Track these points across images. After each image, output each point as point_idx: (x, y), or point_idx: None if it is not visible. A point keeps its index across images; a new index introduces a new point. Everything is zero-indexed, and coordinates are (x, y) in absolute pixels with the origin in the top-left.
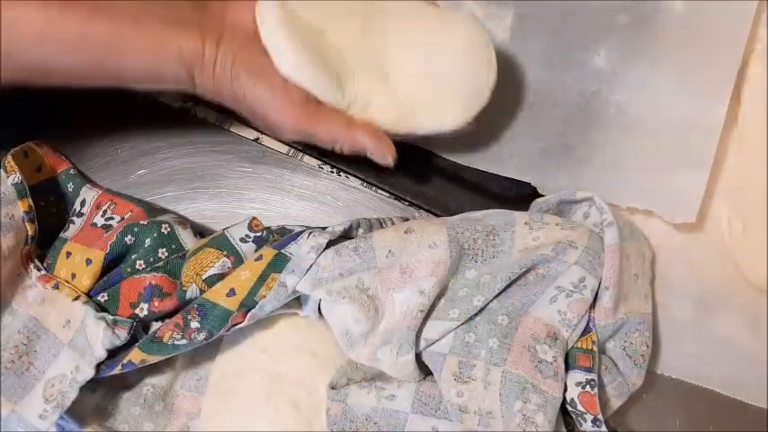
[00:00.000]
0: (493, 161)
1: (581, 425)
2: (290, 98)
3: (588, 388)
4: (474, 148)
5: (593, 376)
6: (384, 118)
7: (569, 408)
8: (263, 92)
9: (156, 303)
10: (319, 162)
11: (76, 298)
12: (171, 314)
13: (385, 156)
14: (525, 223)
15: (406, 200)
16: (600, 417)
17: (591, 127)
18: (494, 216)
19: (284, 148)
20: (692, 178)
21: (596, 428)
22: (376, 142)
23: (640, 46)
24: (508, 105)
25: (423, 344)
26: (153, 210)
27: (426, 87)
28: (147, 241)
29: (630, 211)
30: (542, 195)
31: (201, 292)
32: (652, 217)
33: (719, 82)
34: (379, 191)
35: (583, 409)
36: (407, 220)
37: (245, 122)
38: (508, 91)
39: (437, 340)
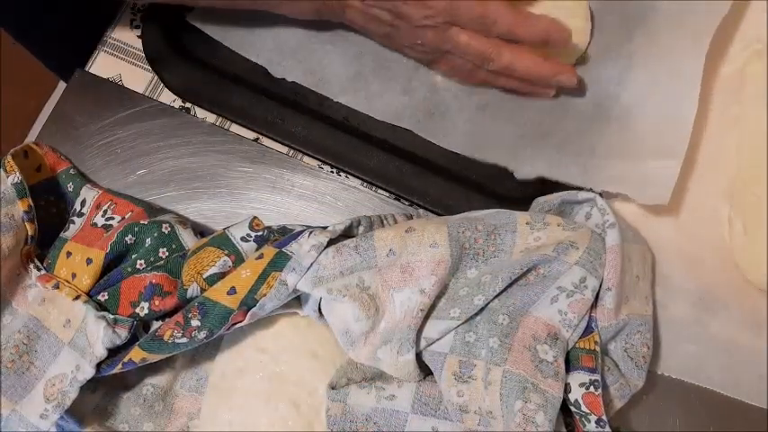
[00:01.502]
0: (470, 146)
1: (585, 425)
2: None
3: (592, 389)
4: (452, 133)
5: (597, 377)
6: None
7: (573, 409)
8: None
9: (157, 302)
10: (319, 162)
11: (77, 297)
12: (171, 313)
13: None
14: (526, 223)
15: (406, 200)
16: (604, 417)
17: (567, 117)
18: (495, 216)
19: (284, 148)
20: (666, 164)
21: (600, 429)
22: None
23: (620, 44)
24: (488, 95)
25: (423, 343)
26: (153, 210)
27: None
28: (148, 241)
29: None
30: (543, 195)
31: (202, 290)
32: (651, 217)
33: (690, 75)
34: (379, 191)
35: (587, 410)
36: (410, 217)
37: (245, 123)
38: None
39: (437, 340)
